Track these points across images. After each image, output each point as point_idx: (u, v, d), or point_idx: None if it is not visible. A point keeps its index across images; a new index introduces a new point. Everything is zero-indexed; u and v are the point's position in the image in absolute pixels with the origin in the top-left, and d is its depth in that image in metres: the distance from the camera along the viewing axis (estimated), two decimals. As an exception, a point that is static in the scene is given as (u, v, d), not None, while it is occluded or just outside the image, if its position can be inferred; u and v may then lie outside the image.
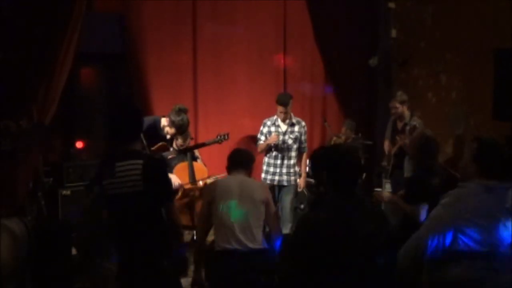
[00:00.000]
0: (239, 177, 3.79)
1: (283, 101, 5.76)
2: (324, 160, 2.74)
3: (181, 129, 5.36)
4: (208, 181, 5.56)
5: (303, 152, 5.96)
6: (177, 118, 5.30)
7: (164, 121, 5.53)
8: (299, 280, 2.44)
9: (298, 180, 6.09)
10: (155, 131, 5.46)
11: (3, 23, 5.40)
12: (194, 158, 5.87)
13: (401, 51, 7.52)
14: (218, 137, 5.76)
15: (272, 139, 5.74)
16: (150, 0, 6.74)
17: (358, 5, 7.65)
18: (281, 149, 5.79)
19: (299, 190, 5.94)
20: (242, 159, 3.88)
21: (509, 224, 2.66)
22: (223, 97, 7.23)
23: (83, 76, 6.82)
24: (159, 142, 5.51)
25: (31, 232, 3.96)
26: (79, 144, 6.19)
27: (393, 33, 7.58)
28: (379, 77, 7.74)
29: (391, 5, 7.54)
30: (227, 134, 5.75)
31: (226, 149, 6.86)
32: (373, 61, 7.62)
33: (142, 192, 2.98)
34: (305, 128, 5.95)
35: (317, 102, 7.86)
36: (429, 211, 3.58)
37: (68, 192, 5.81)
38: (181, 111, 5.37)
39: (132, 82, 6.80)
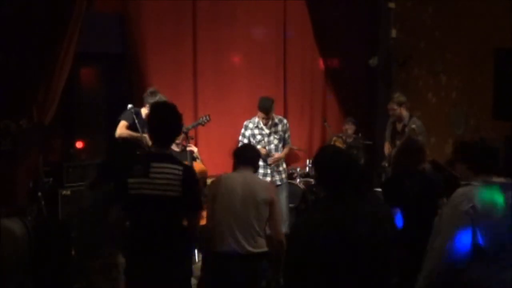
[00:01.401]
0: (244, 174, 3.62)
1: (265, 107, 5.67)
2: (313, 161, 2.72)
3: None
4: (208, 181, 5.56)
5: (287, 144, 5.92)
6: (155, 99, 5.42)
7: (144, 110, 5.68)
8: (299, 284, 2.41)
9: (298, 180, 6.07)
10: (139, 122, 5.61)
11: (3, 23, 5.41)
12: (194, 158, 5.87)
13: (401, 51, 7.52)
14: (201, 118, 5.92)
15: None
16: (150, 0, 6.74)
17: (358, 5, 7.65)
18: (268, 150, 5.76)
19: (269, 163, 5.76)
20: (252, 156, 3.74)
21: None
22: (223, 97, 7.23)
23: (83, 76, 6.82)
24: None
25: (31, 232, 3.96)
26: (79, 144, 6.19)
27: (393, 33, 7.58)
28: (379, 77, 7.74)
29: (391, 5, 7.54)
30: (209, 115, 5.92)
31: (226, 149, 6.86)
32: (373, 61, 7.62)
33: (178, 198, 2.99)
34: (288, 125, 5.90)
35: (317, 102, 7.86)
36: (403, 216, 3.59)
37: (68, 192, 5.81)
38: (154, 93, 5.54)
39: (132, 82, 6.80)
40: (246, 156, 3.72)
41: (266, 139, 5.73)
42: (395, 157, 4.13)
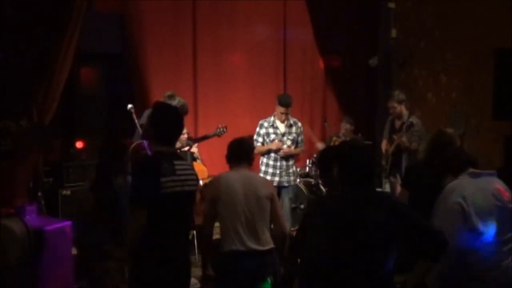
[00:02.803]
0: (242, 173, 3.63)
1: (286, 102, 5.72)
2: (336, 154, 2.70)
3: (184, 109, 5.39)
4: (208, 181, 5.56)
5: (299, 146, 5.93)
6: (174, 102, 5.34)
7: None
8: (308, 260, 2.46)
9: (297, 180, 6.05)
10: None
11: (3, 23, 5.41)
12: (194, 159, 5.88)
13: (401, 51, 7.52)
14: (218, 130, 5.92)
15: (275, 145, 5.69)
16: (150, 0, 6.74)
17: (358, 5, 7.65)
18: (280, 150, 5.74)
19: (280, 154, 5.74)
20: (245, 151, 3.73)
21: (500, 206, 2.88)
22: (223, 97, 7.24)
23: (83, 76, 6.82)
24: None
25: (31, 232, 3.96)
26: (79, 144, 6.18)
27: (393, 33, 7.59)
28: (379, 77, 7.74)
29: (391, 5, 7.54)
30: (226, 127, 5.92)
31: (226, 149, 6.86)
32: (373, 61, 7.63)
33: (195, 191, 3.20)
34: (301, 129, 5.90)
35: (317, 102, 7.86)
36: (413, 200, 3.68)
37: (68, 192, 5.80)
38: (172, 96, 5.51)
39: (132, 82, 6.81)
40: (240, 153, 3.70)
41: (279, 138, 5.73)
42: (425, 151, 4.14)
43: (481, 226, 2.80)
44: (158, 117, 3.18)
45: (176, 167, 3.06)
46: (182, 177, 3.06)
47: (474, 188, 2.89)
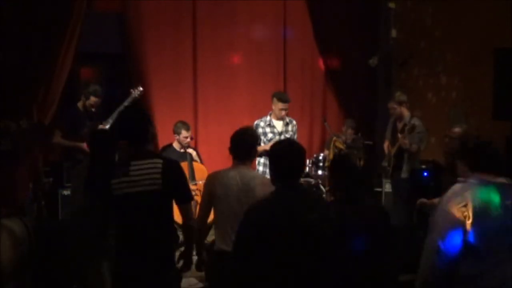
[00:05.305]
0: (242, 171, 3.54)
1: (286, 98, 5.81)
2: (269, 154, 2.87)
3: (98, 93, 5.64)
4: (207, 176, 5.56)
5: None
6: (88, 89, 5.63)
7: (81, 103, 5.72)
8: (247, 267, 2.54)
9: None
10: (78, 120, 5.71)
11: (3, 23, 5.41)
12: (192, 159, 5.87)
13: (401, 51, 7.52)
14: (133, 92, 5.91)
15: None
16: (150, 0, 6.74)
17: (358, 5, 7.65)
18: None
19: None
20: (248, 147, 3.61)
21: (508, 218, 2.67)
22: (223, 97, 7.23)
23: (83, 76, 6.83)
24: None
25: (31, 232, 3.96)
26: (79, 144, 6.18)
27: (393, 33, 7.58)
28: (379, 77, 7.73)
29: (391, 5, 7.54)
30: (140, 87, 5.96)
31: (226, 149, 6.85)
32: (373, 61, 7.62)
33: (160, 192, 2.98)
34: (296, 126, 5.97)
35: (317, 102, 7.86)
36: None
37: (68, 192, 5.80)
38: (87, 84, 5.74)
39: (132, 82, 6.81)
40: (244, 150, 3.59)
41: (277, 137, 5.74)
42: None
43: (476, 240, 2.66)
44: (122, 122, 3.28)
45: (132, 167, 2.99)
46: (136, 178, 2.97)
47: (481, 197, 2.69)
